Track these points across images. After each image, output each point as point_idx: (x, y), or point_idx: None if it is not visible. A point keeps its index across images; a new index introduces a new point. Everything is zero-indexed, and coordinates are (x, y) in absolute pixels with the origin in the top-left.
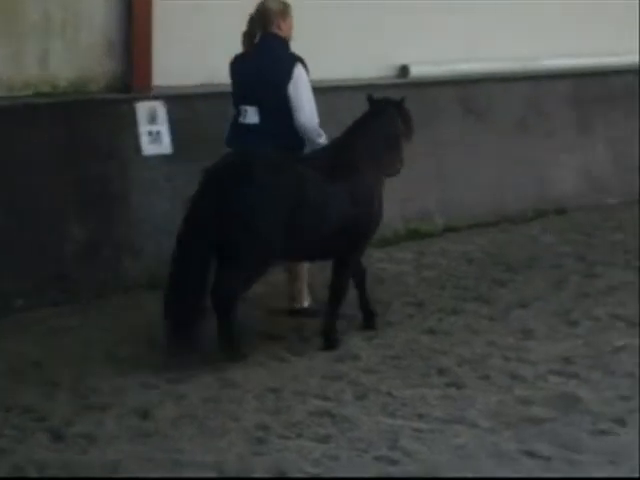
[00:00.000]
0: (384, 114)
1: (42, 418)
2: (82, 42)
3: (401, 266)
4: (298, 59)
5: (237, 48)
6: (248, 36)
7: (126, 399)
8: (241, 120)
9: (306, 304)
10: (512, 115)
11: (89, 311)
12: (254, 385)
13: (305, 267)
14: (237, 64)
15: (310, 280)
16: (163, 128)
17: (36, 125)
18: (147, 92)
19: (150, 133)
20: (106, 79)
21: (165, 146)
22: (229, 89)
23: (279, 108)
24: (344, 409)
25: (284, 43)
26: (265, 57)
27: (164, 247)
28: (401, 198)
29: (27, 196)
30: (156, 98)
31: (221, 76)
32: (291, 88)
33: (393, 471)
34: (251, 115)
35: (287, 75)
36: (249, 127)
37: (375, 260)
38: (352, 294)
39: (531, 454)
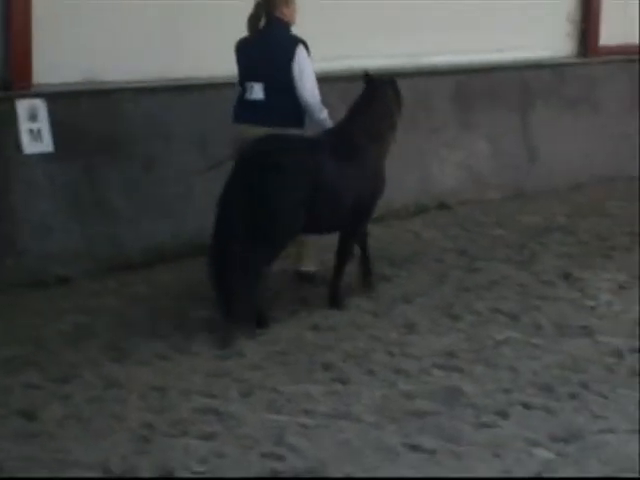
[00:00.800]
0: (381, 92)
1: None
2: None
3: (285, 262)
4: (301, 41)
5: (119, 46)
6: (254, 19)
7: (10, 400)
8: (247, 96)
9: (312, 268)
10: None
11: None
12: (138, 384)
13: None
14: (243, 45)
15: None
16: (44, 126)
17: None
18: (27, 90)
19: (31, 131)
20: None
21: (46, 144)
22: (111, 86)
23: (283, 86)
24: (229, 406)
25: (287, 26)
26: (271, 38)
27: (46, 246)
28: None
29: None
30: (37, 96)
31: (103, 74)
32: (295, 67)
33: (279, 467)
34: (257, 91)
35: (291, 55)
36: (255, 103)
37: None
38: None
39: (415, 447)
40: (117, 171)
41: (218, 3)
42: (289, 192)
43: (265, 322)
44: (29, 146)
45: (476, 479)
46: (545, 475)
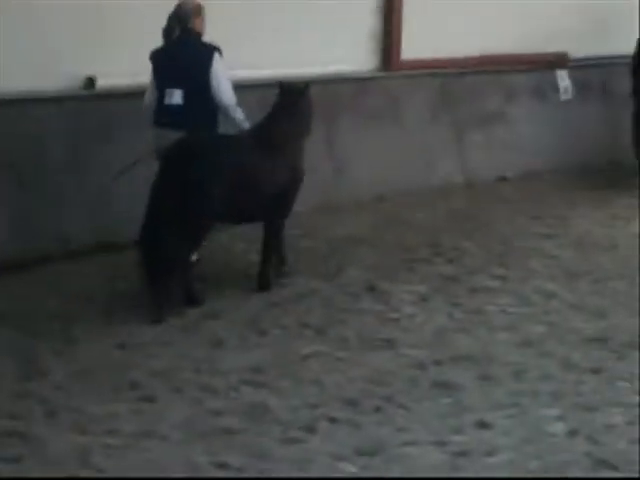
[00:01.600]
0: (296, 97)
1: None
2: None
3: (91, 279)
4: (216, 48)
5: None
6: (168, 31)
7: None
8: (166, 102)
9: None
10: None
11: None
12: None
13: None
14: (159, 55)
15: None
16: None
17: None
18: None
19: None
20: None
21: None
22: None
23: (200, 91)
24: (34, 428)
25: (199, 36)
26: (187, 47)
27: None
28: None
29: None
30: None
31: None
32: (212, 72)
33: None
34: (176, 97)
35: (208, 61)
36: (173, 107)
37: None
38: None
39: (222, 466)
40: None
41: None
42: (209, 184)
43: (196, 300)
44: None
45: (467, 479)
46: None
